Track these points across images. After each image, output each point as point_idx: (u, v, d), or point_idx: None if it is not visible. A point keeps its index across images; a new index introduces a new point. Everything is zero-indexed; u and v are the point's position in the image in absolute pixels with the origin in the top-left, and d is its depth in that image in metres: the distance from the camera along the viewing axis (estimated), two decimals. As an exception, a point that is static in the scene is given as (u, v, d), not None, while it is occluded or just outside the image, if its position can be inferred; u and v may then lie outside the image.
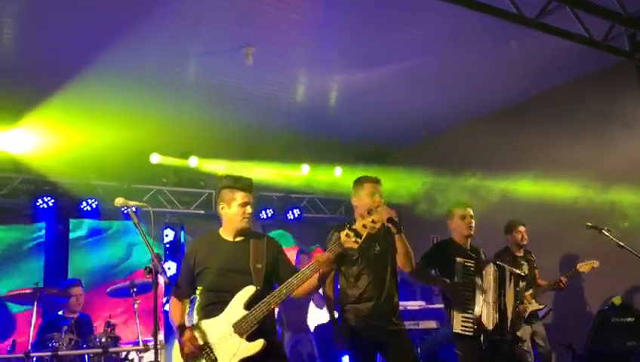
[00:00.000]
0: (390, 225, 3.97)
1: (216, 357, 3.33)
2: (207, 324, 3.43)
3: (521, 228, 5.89)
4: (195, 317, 3.56)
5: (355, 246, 3.32)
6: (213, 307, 3.45)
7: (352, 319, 4.08)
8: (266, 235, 3.76)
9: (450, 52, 6.21)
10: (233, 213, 3.57)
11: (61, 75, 6.04)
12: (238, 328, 3.34)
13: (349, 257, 4.09)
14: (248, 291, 3.41)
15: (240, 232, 3.61)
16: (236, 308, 3.38)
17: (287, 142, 8.12)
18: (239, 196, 3.57)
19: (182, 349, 3.40)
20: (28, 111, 6.41)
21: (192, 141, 7.84)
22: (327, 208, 9.28)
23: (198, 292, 3.60)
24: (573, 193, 6.33)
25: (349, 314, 4.11)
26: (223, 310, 3.41)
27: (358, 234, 3.29)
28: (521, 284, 4.67)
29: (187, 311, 3.65)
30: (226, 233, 3.64)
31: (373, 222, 3.33)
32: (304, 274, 3.38)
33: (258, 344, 3.32)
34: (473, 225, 4.69)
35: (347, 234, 3.30)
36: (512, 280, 4.57)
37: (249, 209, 3.58)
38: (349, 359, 4.23)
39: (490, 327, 4.36)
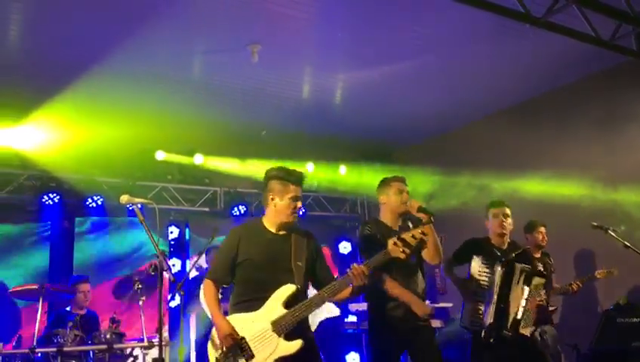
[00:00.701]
0: (422, 214, 4.00)
1: (253, 354, 3.32)
2: (244, 319, 3.41)
3: (542, 229, 5.84)
4: (231, 309, 3.55)
5: (403, 256, 3.34)
6: (252, 302, 3.43)
7: (382, 315, 4.11)
8: (308, 232, 3.72)
9: (456, 50, 6.20)
10: (284, 205, 3.52)
11: (67, 73, 6.06)
12: (277, 326, 3.33)
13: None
14: (288, 289, 3.40)
15: (284, 226, 3.58)
16: (275, 306, 3.37)
17: (292, 140, 8.12)
18: (293, 189, 3.53)
19: (221, 341, 3.37)
20: (34, 108, 6.44)
21: (196, 138, 7.86)
22: (332, 206, 9.27)
23: (234, 283, 3.58)
24: (581, 192, 6.31)
25: (378, 310, 4.15)
26: (261, 305, 3.39)
27: (407, 245, 3.30)
28: (537, 281, 4.64)
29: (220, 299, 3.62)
30: (270, 224, 3.60)
31: (422, 233, 3.36)
32: (337, 285, 3.39)
33: (296, 344, 3.31)
34: (507, 223, 4.76)
35: (395, 243, 3.30)
36: (522, 277, 4.56)
37: (299, 203, 3.56)
38: (372, 355, 4.25)
39: (487, 323, 4.40)
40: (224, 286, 3.67)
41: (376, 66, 6.52)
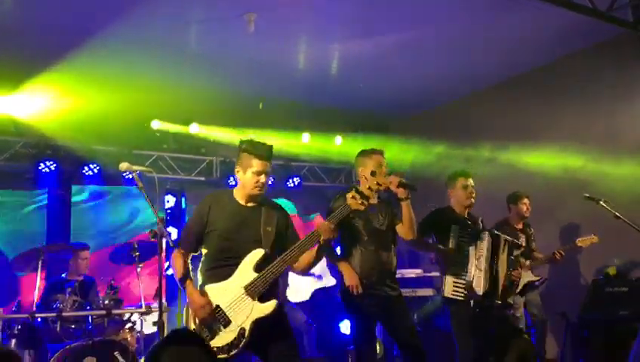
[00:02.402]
0: (400, 190, 4.05)
1: (230, 320, 3.39)
2: (216, 288, 3.47)
3: (526, 201, 5.93)
4: (200, 278, 3.60)
5: (362, 208, 3.41)
6: (221, 270, 3.49)
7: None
8: (278, 204, 3.79)
9: (453, 22, 6.17)
10: (247, 178, 3.54)
11: (63, 41, 6.01)
12: (250, 290, 3.39)
13: (350, 229, 4.17)
14: (257, 254, 3.46)
15: (252, 198, 3.62)
16: (246, 271, 3.44)
17: (288, 111, 8.11)
18: (255, 163, 3.52)
19: (195, 314, 3.42)
20: (30, 75, 6.40)
21: (192, 108, 7.83)
22: (327, 176, 9.33)
23: (204, 251, 3.63)
24: (573, 163, 6.39)
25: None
26: (231, 273, 3.45)
27: (364, 196, 3.38)
28: (516, 252, 4.74)
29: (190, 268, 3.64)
30: (239, 196, 3.64)
31: (378, 184, 3.44)
32: (305, 242, 3.45)
33: (271, 304, 3.39)
34: (474, 194, 4.79)
35: (353, 196, 3.37)
36: (506, 248, 4.65)
37: (263, 178, 3.53)
38: (351, 324, 4.36)
39: (480, 293, 4.47)
40: (193, 254, 3.69)
41: (373, 37, 6.49)
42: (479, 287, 4.47)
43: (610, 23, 5.66)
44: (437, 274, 7.27)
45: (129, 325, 5.58)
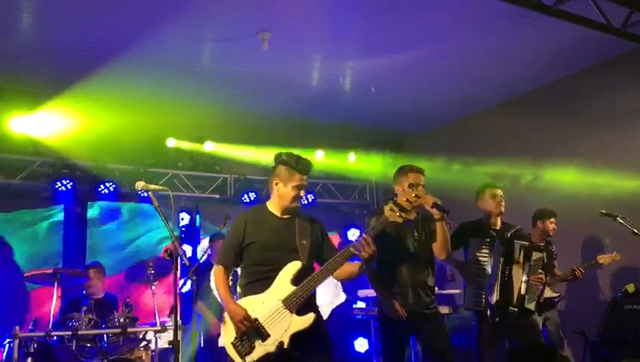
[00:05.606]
0: (435, 211, 4.05)
1: (269, 333, 3.38)
2: (254, 300, 3.47)
3: (554, 220, 5.83)
4: (239, 292, 3.61)
5: (400, 220, 3.43)
6: (259, 283, 3.50)
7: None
8: (312, 216, 3.80)
9: (467, 38, 6.19)
10: (286, 192, 3.59)
11: (79, 61, 6.14)
12: (288, 303, 3.40)
13: (386, 245, 4.12)
14: (294, 266, 3.47)
15: (288, 210, 3.66)
16: (283, 284, 3.44)
17: (301, 128, 8.15)
18: (298, 178, 3.59)
19: (236, 326, 3.41)
20: (48, 96, 6.52)
21: (207, 126, 7.92)
22: (341, 193, 9.32)
23: (243, 266, 3.65)
24: (594, 179, 6.33)
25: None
26: (269, 285, 3.46)
27: (402, 209, 3.40)
28: (536, 255, 4.69)
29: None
30: (275, 208, 3.68)
31: (416, 196, 3.45)
32: (339, 257, 3.45)
33: (309, 318, 3.39)
34: (504, 203, 4.86)
35: (392, 209, 3.39)
36: (522, 254, 4.62)
37: (302, 192, 3.62)
38: (383, 341, 4.34)
39: (493, 302, 4.49)
40: (235, 268, 3.74)
41: (386, 54, 6.52)
42: (492, 296, 4.52)
43: (626, 40, 5.63)
44: (453, 291, 7.27)
45: (144, 343, 5.57)
